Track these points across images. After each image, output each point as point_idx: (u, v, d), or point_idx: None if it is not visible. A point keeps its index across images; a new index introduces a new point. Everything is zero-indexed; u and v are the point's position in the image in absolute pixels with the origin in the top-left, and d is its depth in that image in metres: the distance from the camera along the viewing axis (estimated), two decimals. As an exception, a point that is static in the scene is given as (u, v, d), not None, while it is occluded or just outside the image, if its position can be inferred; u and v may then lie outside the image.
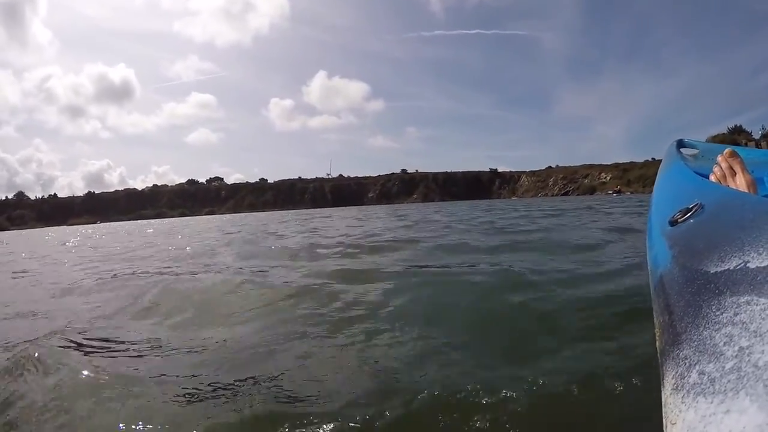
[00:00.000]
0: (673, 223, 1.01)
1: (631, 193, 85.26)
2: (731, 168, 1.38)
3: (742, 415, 0.45)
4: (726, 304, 0.62)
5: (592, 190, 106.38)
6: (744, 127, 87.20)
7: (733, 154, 1.40)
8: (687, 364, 0.60)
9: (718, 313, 0.62)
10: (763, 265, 0.63)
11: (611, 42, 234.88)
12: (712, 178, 1.41)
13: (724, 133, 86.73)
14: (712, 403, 0.50)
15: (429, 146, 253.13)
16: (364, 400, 2.13)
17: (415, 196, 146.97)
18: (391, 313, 3.59)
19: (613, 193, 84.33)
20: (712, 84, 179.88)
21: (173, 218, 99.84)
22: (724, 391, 0.50)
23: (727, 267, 0.69)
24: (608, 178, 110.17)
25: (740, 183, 1.35)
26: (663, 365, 0.67)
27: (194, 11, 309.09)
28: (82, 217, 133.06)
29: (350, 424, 1.93)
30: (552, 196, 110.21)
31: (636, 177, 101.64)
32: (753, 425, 0.44)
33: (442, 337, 2.95)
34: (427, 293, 4.22)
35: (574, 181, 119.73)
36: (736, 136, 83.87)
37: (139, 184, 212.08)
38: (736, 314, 0.59)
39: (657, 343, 0.74)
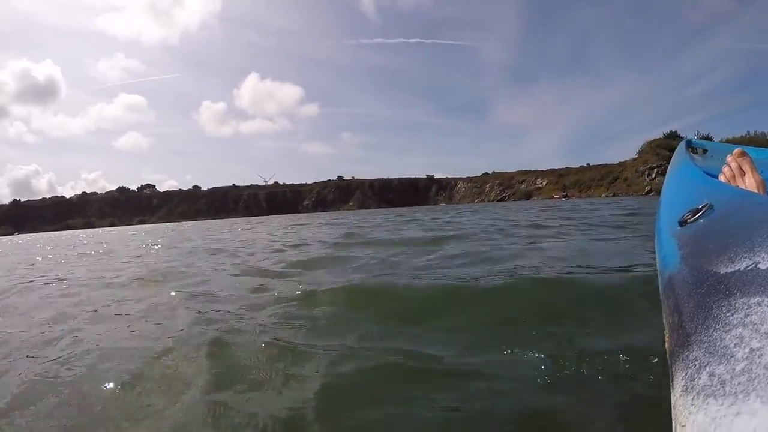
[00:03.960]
0: (683, 223, 1.02)
1: (577, 198, 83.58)
2: (740, 168, 1.39)
3: (753, 417, 0.45)
4: (737, 305, 0.61)
5: (528, 196, 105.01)
6: (679, 132, 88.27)
7: (743, 154, 1.41)
8: (697, 366, 0.59)
9: (728, 314, 0.61)
10: None
11: (549, 53, 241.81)
12: (722, 178, 1.43)
13: (660, 138, 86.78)
14: (722, 405, 0.50)
15: (366, 152, 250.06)
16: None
17: (351, 203, 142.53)
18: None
19: (561, 198, 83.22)
20: (646, 94, 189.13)
21: (102, 228, 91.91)
22: (735, 393, 0.49)
23: (737, 268, 0.68)
24: (544, 183, 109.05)
25: (750, 183, 1.35)
26: (672, 367, 0.66)
27: (119, 6, 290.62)
28: (0, 228, 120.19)
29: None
30: (488, 201, 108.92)
31: (572, 182, 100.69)
32: (764, 427, 0.44)
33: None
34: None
35: (510, 186, 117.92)
36: (672, 141, 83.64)
37: (69, 191, 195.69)
38: (746, 315, 0.58)
39: (666, 345, 0.74)
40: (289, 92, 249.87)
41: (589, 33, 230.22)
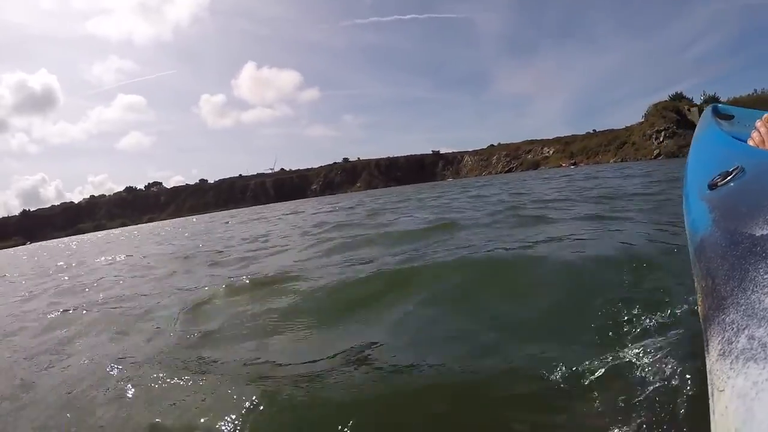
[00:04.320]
0: (713, 186, 1.00)
1: (584, 165, 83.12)
2: None
3: None
4: None
5: (535, 165, 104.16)
6: (684, 94, 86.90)
7: None
8: (734, 329, 0.57)
9: (766, 276, 0.60)
10: None
11: (546, 21, 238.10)
12: (750, 143, 1.41)
13: (665, 100, 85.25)
14: (764, 368, 0.48)
15: (369, 133, 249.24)
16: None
17: (358, 184, 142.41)
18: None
19: (568, 166, 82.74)
20: (646, 58, 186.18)
21: (113, 230, 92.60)
22: None
23: None
24: (551, 152, 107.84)
25: None
26: (707, 331, 0.64)
27: (108, 8, 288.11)
28: (11, 240, 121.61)
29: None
30: (496, 173, 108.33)
31: (579, 149, 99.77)
32: None
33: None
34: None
35: (517, 157, 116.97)
36: (677, 103, 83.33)
37: (77, 196, 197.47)
38: None
39: (699, 309, 0.72)
40: (288, 78, 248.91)
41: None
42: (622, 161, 78.52)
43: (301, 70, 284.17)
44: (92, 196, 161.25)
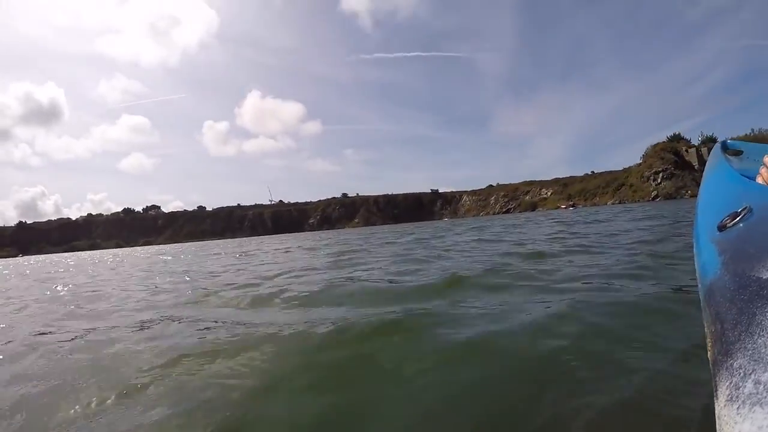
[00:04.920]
0: (722, 228, 1.00)
1: (582, 206, 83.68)
2: None
3: None
4: None
5: (533, 207, 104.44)
6: (682, 134, 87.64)
7: None
8: (741, 374, 0.58)
9: None
10: None
11: (547, 61, 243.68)
12: (759, 180, 1.41)
13: (664, 141, 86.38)
14: None
15: (370, 169, 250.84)
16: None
17: (356, 220, 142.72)
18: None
19: (567, 208, 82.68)
20: (646, 97, 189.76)
21: (107, 250, 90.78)
22: None
23: None
24: (549, 193, 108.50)
25: None
26: (716, 376, 0.65)
27: (118, 28, 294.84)
28: (4, 250, 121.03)
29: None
30: (494, 214, 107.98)
31: (577, 191, 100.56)
32: None
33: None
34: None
35: (515, 198, 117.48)
36: (676, 144, 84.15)
37: (74, 212, 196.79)
38: None
39: (708, 354, 0.73)
40: (291, 110, 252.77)
41: (585, 39, 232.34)
42: (619, 203, 78.26)
43: (305, 102, 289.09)
44: (90, 214, 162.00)
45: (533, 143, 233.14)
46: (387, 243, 14.94)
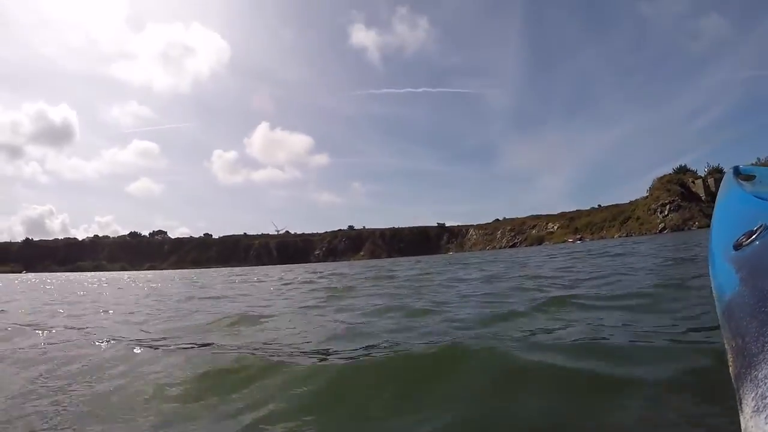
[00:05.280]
0: (738, 247, 1.02)
1: (589, 240, 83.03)
2: None
3: None
4: None
5: (540, 241, 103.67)
6: (689, 166, 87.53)
7: None
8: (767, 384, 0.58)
9: None
10: None
11: (553, 96, 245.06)
12: None
13: (670, 174, 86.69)
14: None
15: (376, 202, 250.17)
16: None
17: (362, 252, 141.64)
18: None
19: (575, 242, 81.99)
20: (652, 130, 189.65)
21: (111, 272, 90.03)
22: None
23: None
24: (555, 227, 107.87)
25: None
26: (740, 390, 0.65)
27: (132, 54, 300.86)
28: (8, 265, 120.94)
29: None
30: (500, 248, 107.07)
31: (583, 225, 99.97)
32: None
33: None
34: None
35: (521, 232, 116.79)
36: (682, 176, 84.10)
37: (82, 233, 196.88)
38: None
39: (731, 369, 0.73)
40: (299, 142, 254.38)
41: (591, 74, 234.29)
42: (627, 236, 77.29)
43: (313, 134, 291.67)
44: (96, 236, 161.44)
45: (539, 177, 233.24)
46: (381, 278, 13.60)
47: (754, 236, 0.97)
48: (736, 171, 2.18)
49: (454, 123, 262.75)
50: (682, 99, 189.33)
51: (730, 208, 1.58)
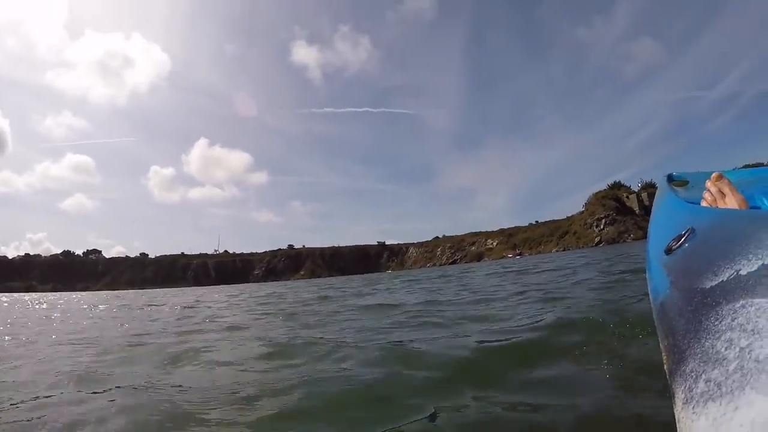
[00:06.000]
0: (669, 251, 1.08)
1: (528, 254, 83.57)
2: (720, 191, 1.46)
3: (750, 408, 0.49)
4: (723, 312, 0.67)
5: (479, 257, 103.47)
6: (622, 182, 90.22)
7: (720, 177, 1.49)
8: (694, 377, 0.63)
9: (716, 323, 0.66)
10: (753, 269, 0.68)
11: (492, 117, 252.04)
12: (703, 203, 1.55)
13: (605, 189, 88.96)
14: (720, 405, 0.54)
15: (316, 221, 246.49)
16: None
17: (302, 272, 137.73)
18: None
19: (514, 257, 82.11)
20: (588, 149, 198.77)
21: (43, 293, 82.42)
22: (731, 391, 0.53)
23: (720, 279, 0.74)
24: (494, 243, 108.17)
25: (730, 203, 1.42)
26: (672, 384, 0.70)
27: (70, 62, 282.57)
28: None
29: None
30: (440, 265, 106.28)
31: (521, 240, 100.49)
32: (762, 415, 0.48)
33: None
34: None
35: (461, 249, 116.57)
36: (616, 191, 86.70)
37: (12, 251, 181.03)
38: (733, 319, 0.63)
39: (665, 366, 0.79)
40: (238, 159, 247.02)
41: (528, 97, 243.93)
42: (564, 250, 77.85)
43: (253, 152, 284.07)
44: (27, 254, 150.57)
45: (478, 195, 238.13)
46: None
47: (682, 239, 1.03)
48: (670, 178, 2.22)
49: (395, 143, 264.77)
50: (616, 119, 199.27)
51: (663, 213, 1.62)
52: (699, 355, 0.65)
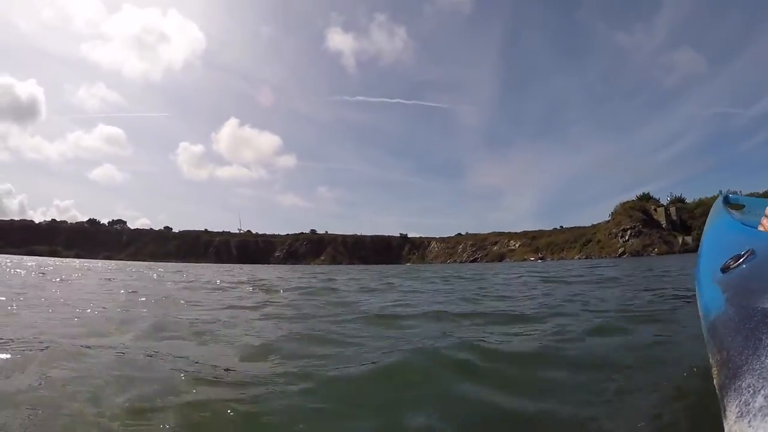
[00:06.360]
0: (725, 269, 1.08)
1: (550, 260, 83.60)
2: None
3: None
4: None
5: (500, 257, 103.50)
6: (651, 194, 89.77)
7: None
8: (751, 392, 0.63)
9: None
10: None
11: (524, 118, 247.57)
12: (761, 228, 1.54)
13: (633, 200, 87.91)
14: None
15: (341, 208, 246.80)
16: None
17: (322, 257, 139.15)
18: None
19: (536, 260, 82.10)
20: (617, 160, 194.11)
21: (66, 258, 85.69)
22: None
23: None
24: (517, 245, 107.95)
25: None
26: (724, 398, 0.70)
27: (106, 35, 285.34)
28: None
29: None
30: (461, 262, 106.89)
31: (544, 244, 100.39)
32: None
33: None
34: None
35: (483, 248, 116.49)
36: (644, 203, 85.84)
37: (39, 216, 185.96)
38: None
39: (715, 381, 0.78)
40: (268, 141, 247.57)
41: (563, 99, 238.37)
42: (586, 258, 77.77)
43: (282, 135, 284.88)
44: (54, 220, 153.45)
45: (505, 196, 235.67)
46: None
47: (741, 260, 1.03)
48: (726, 200, 2.22)
49: (426, 136, 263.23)
50: (650, 130, 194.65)
51: (719, 233, 1.62)
52: (758, 371, 0.65)
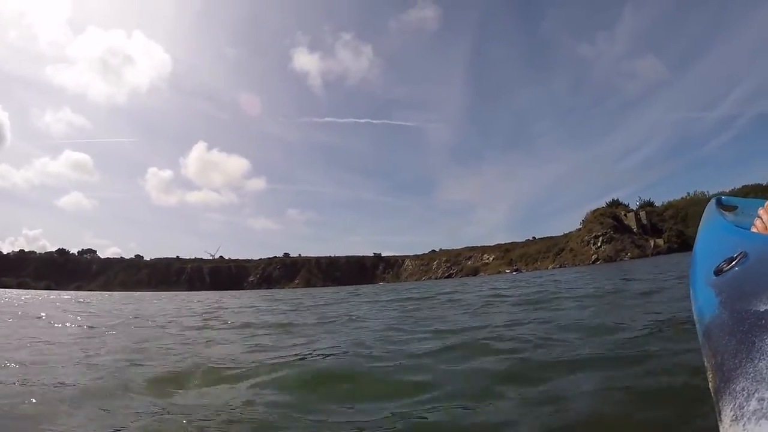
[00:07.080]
0: (718, 272, 1.08)
1: (525, 271, 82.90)
2: None
3: None
4: None
5: (475, 272, 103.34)
6: (620, 200, 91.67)
7: None
8: (745, 395, 0.63)
9: None
10: None
11: (492, 132, 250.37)
12: (754, 230, 1.53)
13: (603, 207, 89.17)
14: None
15: (313, 230, 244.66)
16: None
17: (297, 281, 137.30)
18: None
19: (511, 272, 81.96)
20: (585, 168, 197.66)
21: (34, 290, 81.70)
22: None
23: None
24: (491, 259, 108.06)
25: None
26: (719, 402, 0.70)
27: (71, 58, 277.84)
28: None
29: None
30: (436, 279, 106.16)
31: (518, 256, 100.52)
32: None
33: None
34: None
35: (457, 263, 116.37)
36: (614, 209, 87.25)
37: (8, 246, 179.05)
38: None
39: (710, 384, 0.79)
40: (236, 164, 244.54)
41: (530, 111, 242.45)
42: (560, 266, 77.80)
43: (251, 158, 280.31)
44: (22, 251, 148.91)
45: (477, 210, 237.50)
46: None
47: (734, 262, 1.03)
48: (719, 201, 2.22)
49: (395, 154, 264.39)
50: (617, 137, 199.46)
51: (712, 236, 1.62)
52: (752, 375, 0.65)
